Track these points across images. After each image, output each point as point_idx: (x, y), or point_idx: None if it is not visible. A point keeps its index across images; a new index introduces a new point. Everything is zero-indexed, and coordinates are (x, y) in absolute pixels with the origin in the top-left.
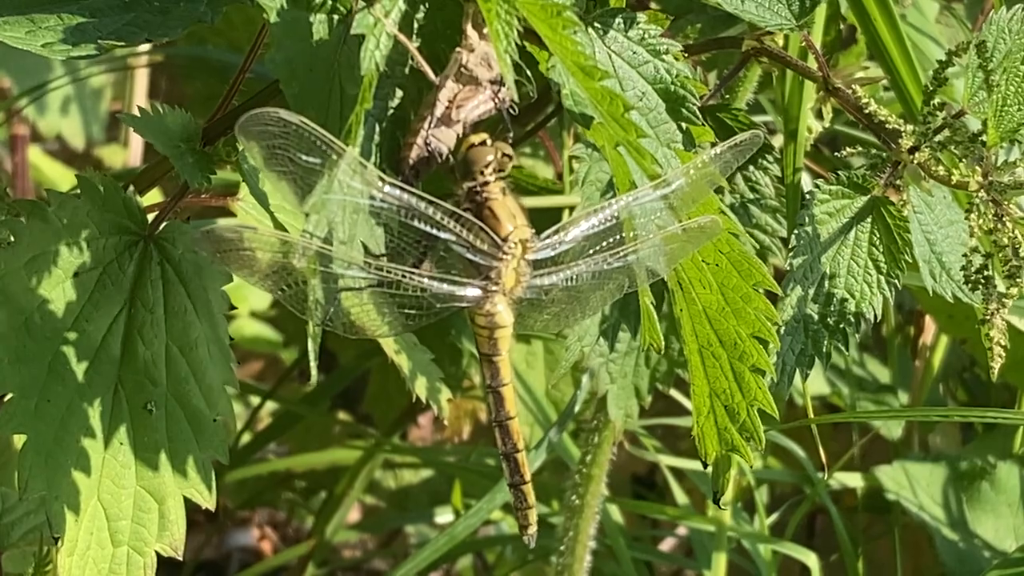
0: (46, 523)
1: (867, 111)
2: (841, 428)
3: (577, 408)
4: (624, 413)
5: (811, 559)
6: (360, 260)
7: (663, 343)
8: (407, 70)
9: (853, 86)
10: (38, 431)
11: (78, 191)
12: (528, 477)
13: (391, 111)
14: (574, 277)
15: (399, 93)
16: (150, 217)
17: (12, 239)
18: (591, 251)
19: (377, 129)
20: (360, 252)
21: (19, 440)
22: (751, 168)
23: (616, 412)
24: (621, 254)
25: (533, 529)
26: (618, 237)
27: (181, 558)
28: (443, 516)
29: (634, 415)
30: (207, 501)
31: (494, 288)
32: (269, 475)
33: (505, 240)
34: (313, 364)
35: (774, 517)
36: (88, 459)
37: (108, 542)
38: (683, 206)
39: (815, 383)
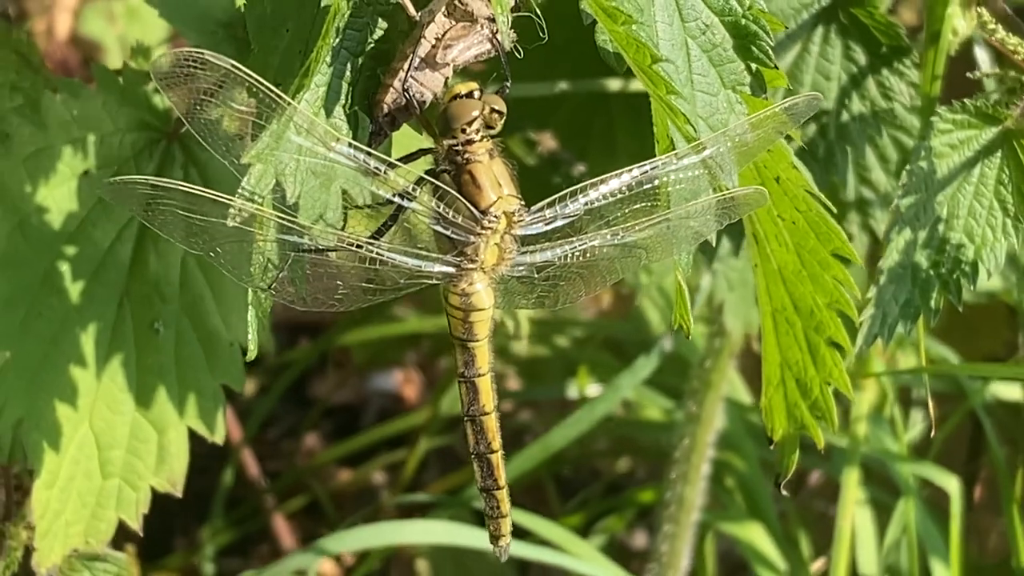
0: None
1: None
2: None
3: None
4: (743, 323)
5: (952, 484)
6: (307, 226)
7: (692, 326)
8: None
9: None
10: (24, 348)
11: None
12: (503, 482)
13: (371, 44)
14: (576, 252)
15: (382, 24)
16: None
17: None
18: (605, 222)
19: (350, 66)
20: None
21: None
22: (885, 72)
23: (733, 322)
24: (638, 227)
25: (505, 541)
26: (638, 207)
27: (180, 495)
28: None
29: (753, 326)
30: (213, 434)
31: (469, 265)
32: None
33: (485, 212)
34: (253, 341)
35: (918, 431)
36: (80, 382)
37: (97, 473)
38: (743, 157)
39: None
